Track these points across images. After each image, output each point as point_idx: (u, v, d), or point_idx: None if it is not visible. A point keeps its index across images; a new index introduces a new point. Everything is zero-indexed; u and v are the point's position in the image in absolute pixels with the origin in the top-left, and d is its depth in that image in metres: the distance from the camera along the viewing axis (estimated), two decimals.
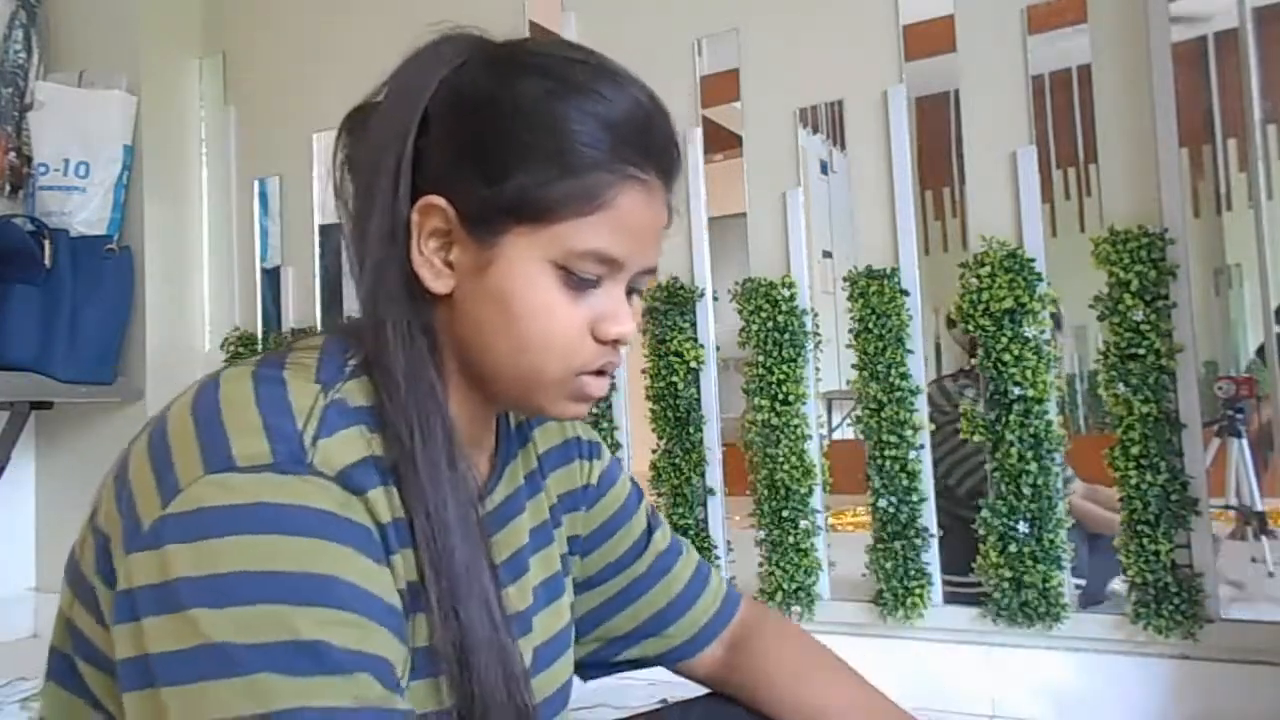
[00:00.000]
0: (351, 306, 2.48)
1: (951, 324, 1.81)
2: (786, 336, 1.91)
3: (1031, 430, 1.68)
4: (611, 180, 0.62)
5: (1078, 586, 1.73)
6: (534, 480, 0.80)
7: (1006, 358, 1.70)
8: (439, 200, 0.63)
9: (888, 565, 1.79)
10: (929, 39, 1.85)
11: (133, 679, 0.53)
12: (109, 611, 0.57)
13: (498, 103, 0.63)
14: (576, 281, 0.63)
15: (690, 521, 2.01)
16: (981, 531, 1.71)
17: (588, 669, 0.88)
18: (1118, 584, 1.66)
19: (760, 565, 1.92)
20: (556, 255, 0.62)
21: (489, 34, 0.69)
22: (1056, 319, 1.74)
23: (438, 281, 0.64)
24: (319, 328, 2.48)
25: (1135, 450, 1.60)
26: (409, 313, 0.64)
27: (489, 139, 0.63)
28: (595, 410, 2.11)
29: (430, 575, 0.60)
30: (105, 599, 0.59)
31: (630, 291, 0.67)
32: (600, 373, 0.67)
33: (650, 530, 0.88)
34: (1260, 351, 1.64)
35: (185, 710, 0.51)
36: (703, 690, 0.88)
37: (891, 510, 1.81)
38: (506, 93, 0.63)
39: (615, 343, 0.66)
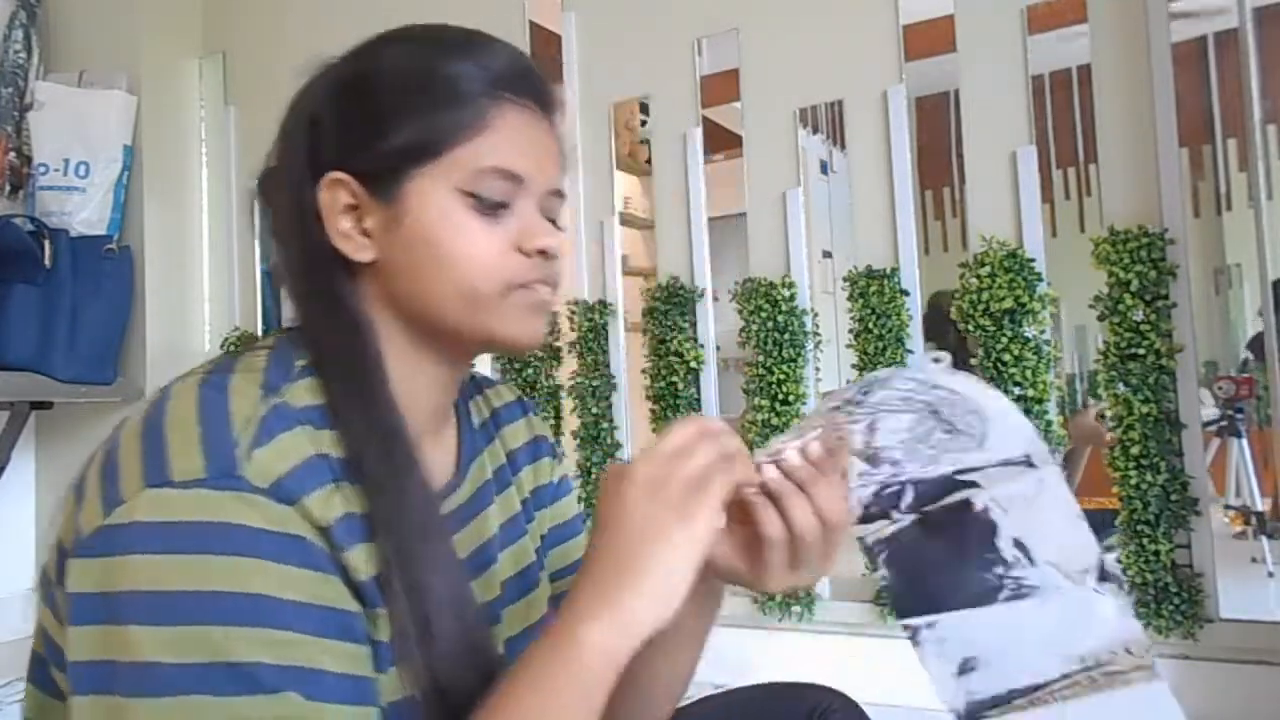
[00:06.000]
0: None
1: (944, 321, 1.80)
2: (786, 336, 1.91)
3: None
4: (491, 104, 0.67)
5: None
6: (503, 475, 0.81)
7: (1006, 358, 1.70)
8: (338, 174, 0.67)
9: None
10: (929, 39, 1.85)
11: (76, 682, 0.55)
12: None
13: (370, 73, 0.69)
14: (487, 205, 0.66)
15: None
16: None
17: None
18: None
19: None
20: (459, 181, 0.66)
21: None
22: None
23: (362, 252, 0.67)
24: None
25: (1135, 450, 1.60)
26: (340, 295, 0.67)
27: (369, 102, 0.68)
28: (595, 410, 2.11)
29: (392, 565, 0.61)
30: (64, 603, 0.60)
31: (548, 219, 0.70)
32: (541, 284, 0.69)
33: None
34: (1252, 344, 1.64)
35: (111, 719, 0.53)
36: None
37: None
38: (376, 62, 0.70)
39: (543, 254, 0.68)
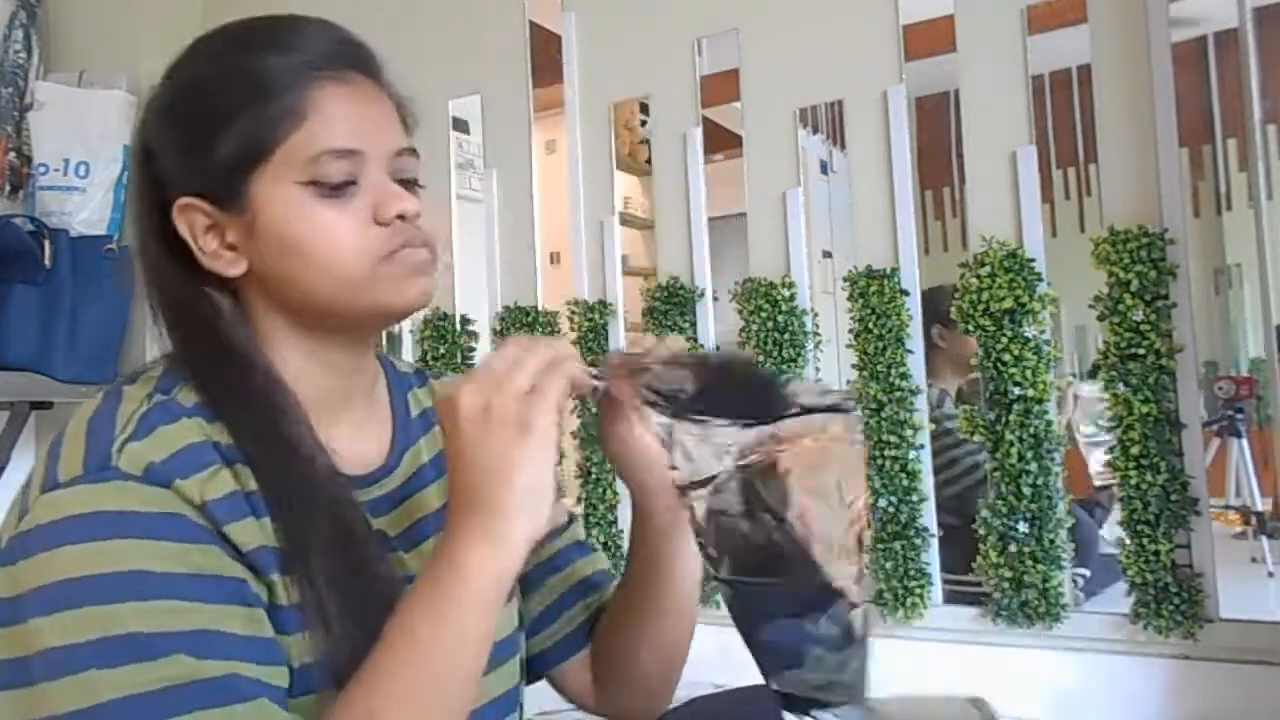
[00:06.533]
0: None
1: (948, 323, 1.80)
2: (786, 336, 1.91)
3: (1031, 430, 1.68)
4: (307, 88, 0.67)
5: (1084, 578, 1.72)
6: (442, 461, 0.82)
7: (1006, 358, 1.70)
8: (186, 199, 0.68)
9: (888, 565, 1.79)
10: (929, 39, 1.85)
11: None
12: None
13: (185, 90, 0.70)
14: (331, 188, 0.67)
15: None
16: (981, 531, 1.71)
17: None
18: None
19: None
20: (298, 174, 0.67)
21: None
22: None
23: (233, 267, 0.69)
24: None
25: (1135, 450, 1.60)
26: (210, 310, 0.70)
27: (190, 121, 0.69)
28: (595, 410, 2.11)
29: (286, 538, 0.64)
30: None
31: (403, 182, 0.71)
32: (409, 247, 0.70)
33: (569, 521, 0.91)
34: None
35: (27, 709, 0.57)
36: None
37: (891, 510, 1.80)
38: (188, 78, 0.71)
39: (401, 219, 0.69)
